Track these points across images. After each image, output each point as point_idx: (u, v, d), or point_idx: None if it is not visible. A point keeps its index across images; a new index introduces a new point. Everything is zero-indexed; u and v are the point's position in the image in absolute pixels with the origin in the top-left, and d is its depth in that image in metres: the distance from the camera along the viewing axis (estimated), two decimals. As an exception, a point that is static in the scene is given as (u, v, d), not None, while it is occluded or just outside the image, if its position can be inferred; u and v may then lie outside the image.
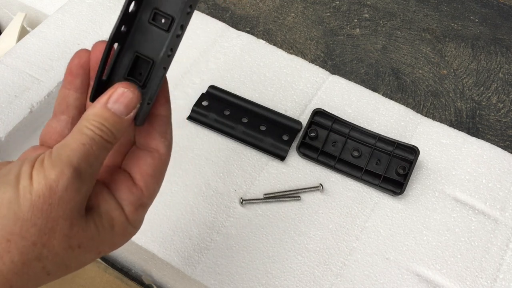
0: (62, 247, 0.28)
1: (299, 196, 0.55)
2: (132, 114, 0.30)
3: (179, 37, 0.30)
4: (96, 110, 0.29)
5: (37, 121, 0.61)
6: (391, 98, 0.64)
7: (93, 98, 0.30)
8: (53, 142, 0.32)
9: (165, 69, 0.31)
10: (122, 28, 0.29)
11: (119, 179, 0.32)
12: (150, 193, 0.33)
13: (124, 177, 0.32)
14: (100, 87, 0.30)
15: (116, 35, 0.29)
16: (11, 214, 0.26)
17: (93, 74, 0.31)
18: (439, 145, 0.59)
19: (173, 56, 0.31)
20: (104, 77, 0.30)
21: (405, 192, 0.55)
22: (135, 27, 0.30)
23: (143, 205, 0.32)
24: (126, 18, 0.29)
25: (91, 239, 0.30)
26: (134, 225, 0.32)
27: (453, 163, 0.58)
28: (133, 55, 0.30)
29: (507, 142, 0.71)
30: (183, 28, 0.30)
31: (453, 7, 0.89)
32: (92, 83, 0.32)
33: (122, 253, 0.61)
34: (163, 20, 0.29)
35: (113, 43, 0.30)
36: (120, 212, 0.31)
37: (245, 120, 0.60)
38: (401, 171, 0.55)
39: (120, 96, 0.29)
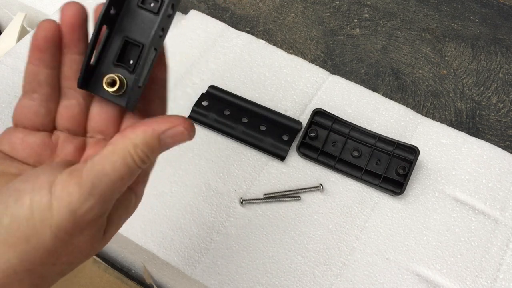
0: (80, 261, 0.28)
1: (299, 196, 0.55)
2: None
3: (170, 17, 0.29)
4: (148, 139, 0.27)
5: (37, 121, 0.60)
6: (391, 98, 0.64)
7: (82, 85, 0.29)
8: (29, 122, 0.30)
9: (156, 50, 0.30)
10: (112, 10, 0.28)
11: None
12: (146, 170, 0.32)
13: None
14: (88, 73, 0.29)
15: (105, 17, 0.28)
16: (34, 244, 0.25)
17: (69, 44, 0.29)
18: (439, 145, 0.59)
19: (164, 37, 0.30)
20: (92, 62, 0.29)
21: (405, 192, 0.55)
22: (124, 11, 0.29)
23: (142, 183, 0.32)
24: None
25: (104, 244, 0.29)
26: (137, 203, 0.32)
27: (453, 163, 0.58)
28: (122, 39, 0.29)
29: (507, 142, 0.71)
30: (174, 7, 0.29)
31: (453, 7, 0.89)
32: (64, 57, 0.30)
33: (122, 253, 0.61)
34: (152, 4, 0.29)
35: (102, 25, 0.28)
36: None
37: (245, 120, 0.60)
38: (401, 171, 0.55)
39: (178, 134, 0.27)
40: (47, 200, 0.25)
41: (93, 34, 0.29)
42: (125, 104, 0.29)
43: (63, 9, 0.28)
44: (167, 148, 0.28)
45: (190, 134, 0.28)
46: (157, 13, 0.29)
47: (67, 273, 0.29)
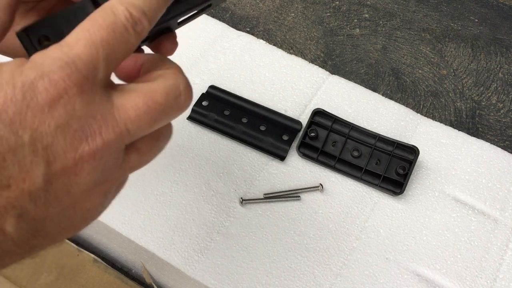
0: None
1: (299, 196, 0.55)
2: None
3: None
4: None
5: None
6: (391, 98, 0.64)
7: None
8: None
9: None
10: None
11: None
12: None
13: None
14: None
15: None
16: None
17: None
18: (439, 145, 0.59)
19: None
20: None
21: (405, 192, 0.55)
22: None
23: None
24: None
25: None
26: None
27: (453, 163, 0.58)
28: None
29: (507, 142, 0.71)
30: None
31: (453, 7, 0.89)
32: None
33: (122, 253, 0.61)
34: None
35: None
36: None
37: (245, 120, 0.60)
38: (401, 171, 0.55)
39: None
40: None
41: None
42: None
43: None
44: None
45: None
46: None
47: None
